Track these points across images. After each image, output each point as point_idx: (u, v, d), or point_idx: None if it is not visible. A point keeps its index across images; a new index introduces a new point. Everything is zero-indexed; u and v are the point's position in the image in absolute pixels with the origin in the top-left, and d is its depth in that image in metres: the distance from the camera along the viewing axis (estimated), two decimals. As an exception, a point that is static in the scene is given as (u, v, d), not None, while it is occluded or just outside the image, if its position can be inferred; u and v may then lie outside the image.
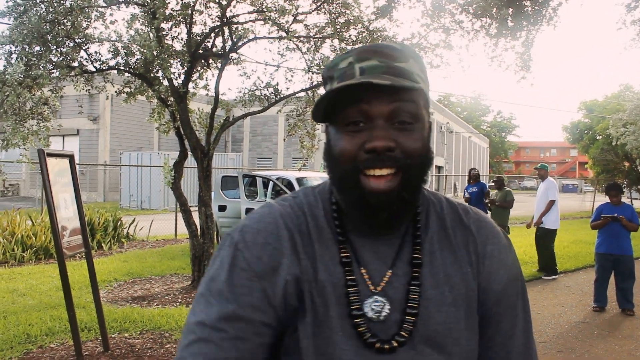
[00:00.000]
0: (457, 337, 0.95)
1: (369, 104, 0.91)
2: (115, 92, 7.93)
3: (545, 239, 8.80)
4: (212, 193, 9.46)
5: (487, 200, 9.78)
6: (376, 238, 0.98)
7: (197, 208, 7.54)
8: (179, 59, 7.06)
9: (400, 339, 0.92)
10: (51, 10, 6.26)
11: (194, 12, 6.96)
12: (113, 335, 5.26)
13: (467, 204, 1.10)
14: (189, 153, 7.52)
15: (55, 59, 6.69)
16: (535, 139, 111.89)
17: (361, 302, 0.93)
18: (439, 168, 38.93)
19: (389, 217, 0.94)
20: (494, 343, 1.02)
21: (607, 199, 7.07)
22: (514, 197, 9.97)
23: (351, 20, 7.47)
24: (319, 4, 7.50)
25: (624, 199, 7.53)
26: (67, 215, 4.61)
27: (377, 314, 0.93)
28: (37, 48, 6.44)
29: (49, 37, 6.35)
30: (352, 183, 0.92)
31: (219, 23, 7.23)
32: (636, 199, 25.16)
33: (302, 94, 8.28)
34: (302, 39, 7.73)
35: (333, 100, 0.92)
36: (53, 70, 6.70)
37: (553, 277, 8.80)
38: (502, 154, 74.39)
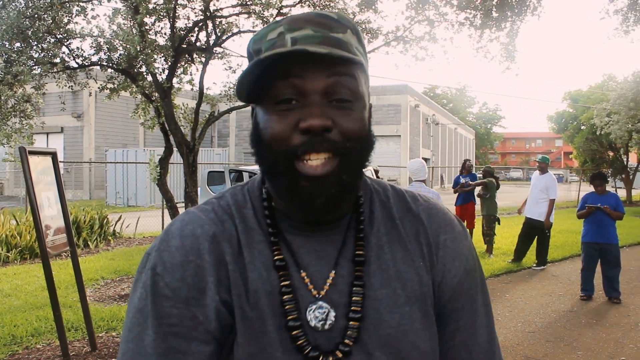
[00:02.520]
0: (413, 339, 0.85)
1: (303, 78, 0.79)
2: (98, 88, 7.84)
3: (541, 231, 8.83)
4: (199, 189, 9.41)
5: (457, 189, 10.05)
6: (316, 236, 0.88)
7: (183, 204, 7.49)
8: (162, 54, 6.99)
9: (345, 349, 0.82)
10: (31, 5, 6.17)
11: (177, 6, 6.89)
12: (100, 335, 5.21)
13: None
14: (175, 149, 7.46)
15: (36, 55, 6.61)
16: (520, 129, 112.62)
17: (300, 311, 0.83)
18: (425, 160, 39.04)
19: (326, 202, 0.81)
20: (454, 342, 0.91)
21: (592, 189, 7.11)
22: (497, 188, 10.00)
23: (336, 13, 7.44)
24: (303, -4, 7.46)
25: (609, 188, 7.57)
26: (51, 214, 4.54)
27: (321, 322, 0.83)
28: (18, 44, 6.35)
29: (30, 33, 6.26)
30: (285, 168, 0.81)
31: (202, 17, 7.16)
32: (620, 187, 25.40)
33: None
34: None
35: (260, 75, 0.80)
36: (34, 67, 6.61)
37: (542, 267, 8.86)
38: (488, 145, 74.76)
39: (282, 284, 0.83)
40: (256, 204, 0.91)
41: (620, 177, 25.40)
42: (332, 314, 0.83)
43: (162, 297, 0.82)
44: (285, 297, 0.82)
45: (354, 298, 0.84)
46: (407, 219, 0.94)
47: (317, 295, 0.84)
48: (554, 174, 9.20)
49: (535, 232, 8.91)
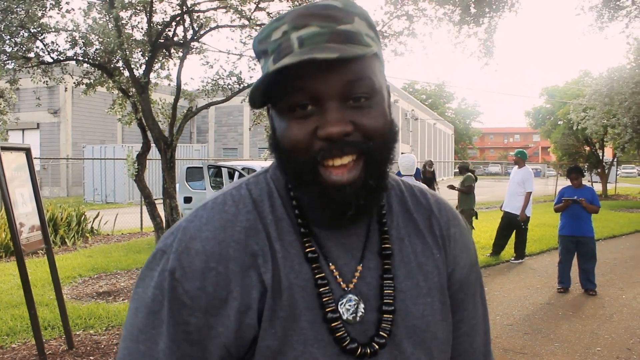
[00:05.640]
0: (434, 330, 0.87)
1: (316, 82, 0.76)
2: (74, 83, 7.72)
3: (517, 225, 8.91)
4: (177, 185, 9.32)
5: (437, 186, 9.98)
6: (341, 229, 0.87)
7: (162, 200, 7.42)
8: (139, 49, 6.90)
9: (380, 340, 0.82)
10: (3, -2, 6.05)
11: (153, 0, 6.80)
12: (78, 333, 5.14)
13: None
14: (152, 144, 7.39)
15: (9, 50, 6.48)
16: (499, 125, 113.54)
17: (335, 303, 0.81)
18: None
19: (356, 213, 0.81)
20: (459, 333, 0.95)
21: (569, 183, 7.20)
22: (475, 181, 10.08)
23: (314, 8, 7.41)
24: (281, -9, 7.42)
25: (585, 182, 7.67)
26: (26, 211, 4.47)
27: (352, 315, 0.82)
28: (-10, 38, 6.22)
29: (2, 27, 6.14)
30: (310, 177, 0.79)
31: (179, 11, 7.08)
32: (596, 182, 25.78)
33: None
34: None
35: (271, 81, 0.77)
36: (8, 62, 6.48)
37: (520, 260, 8.96)
38: (466, 140, 75.30)
39: (316, 276, 0.82)
40: (282, 194, 0.88)
41: (596, 172, 25.75)
42: (362, 306, 0.83)
43: (180, 305, 0.79)
44: (321, 289, 0.81)
45: (385, 291, 0.84)
46: (420, 212, 0.95)
47: (345, 288, 0.84)
48: (532, 169, 9.30)
49: (513, 226, 9.00)
